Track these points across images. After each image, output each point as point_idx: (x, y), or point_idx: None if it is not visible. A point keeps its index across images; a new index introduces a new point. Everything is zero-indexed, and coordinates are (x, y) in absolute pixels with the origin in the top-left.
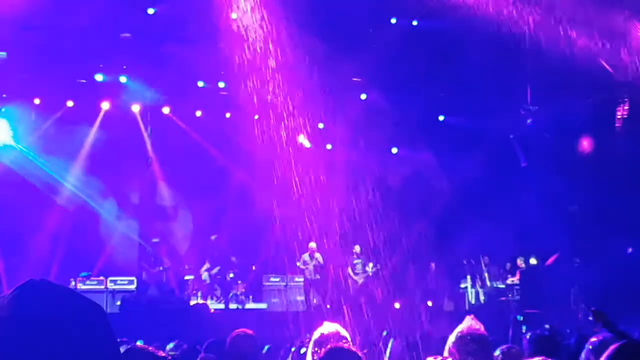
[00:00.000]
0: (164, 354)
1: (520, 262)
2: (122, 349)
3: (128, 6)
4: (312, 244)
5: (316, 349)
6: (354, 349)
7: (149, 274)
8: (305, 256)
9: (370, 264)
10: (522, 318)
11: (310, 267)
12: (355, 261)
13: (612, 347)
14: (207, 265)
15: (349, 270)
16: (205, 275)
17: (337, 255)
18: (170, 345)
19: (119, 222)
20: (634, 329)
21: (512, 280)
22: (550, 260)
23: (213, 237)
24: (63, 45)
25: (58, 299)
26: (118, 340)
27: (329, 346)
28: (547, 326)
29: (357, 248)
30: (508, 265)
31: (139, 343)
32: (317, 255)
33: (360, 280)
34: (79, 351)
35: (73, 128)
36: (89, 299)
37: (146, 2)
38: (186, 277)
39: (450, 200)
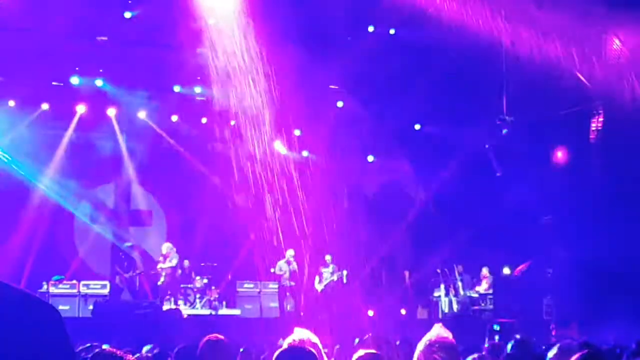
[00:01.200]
0: (132, 358)
1: (485, 271)
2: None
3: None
4: (290, 251)
5: None
6: (312, 350)
7: (122, 278)
8: (282, 263)
9: (345, 272)
10: (498, 327)
11: (287, 274)
12: (323, 269)
13: (574, 358)
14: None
15: (316, 278)
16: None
17: (311, 263)
18: (146, 348)
19: (93, 225)
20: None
21: (477, 290)
22: (518, 269)
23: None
24: (39, 47)
25: (12, 301)
26: (89, 344)
27: (283, 346)
28: (517, 336)
29: (328, 257)
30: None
31: (105, 346)
32: (293, 262)
33: (320, 288)
34: (33, 352)
35: (48, 131)
36: (45, 301)
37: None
38: (159, 282)
39: (425, 209)
